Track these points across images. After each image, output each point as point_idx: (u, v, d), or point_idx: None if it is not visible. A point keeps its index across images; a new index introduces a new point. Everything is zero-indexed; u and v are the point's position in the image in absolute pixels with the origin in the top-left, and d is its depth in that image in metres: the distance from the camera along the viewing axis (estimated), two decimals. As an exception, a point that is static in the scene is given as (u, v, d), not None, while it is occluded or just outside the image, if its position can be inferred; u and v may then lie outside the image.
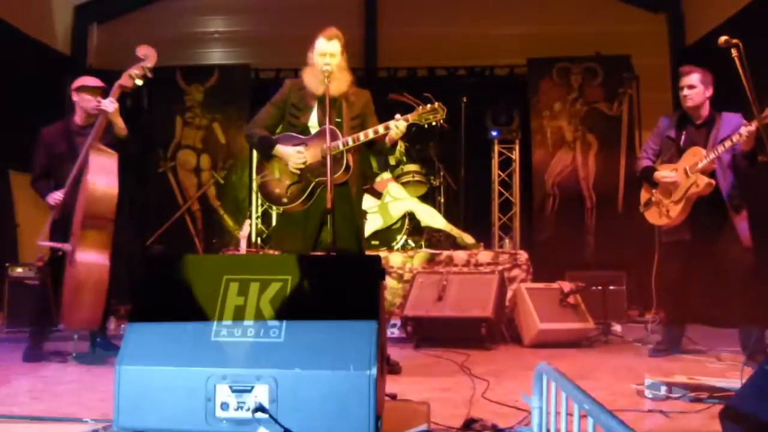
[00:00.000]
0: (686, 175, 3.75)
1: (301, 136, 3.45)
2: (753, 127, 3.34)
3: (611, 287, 5.37)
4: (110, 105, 3.70)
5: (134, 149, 3.99)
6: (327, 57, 3.36)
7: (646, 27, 7.39)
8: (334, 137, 3.26)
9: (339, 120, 3.39)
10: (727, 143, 3.54)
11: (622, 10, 7.42)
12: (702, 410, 2.43)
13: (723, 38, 3.14)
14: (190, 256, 1.91)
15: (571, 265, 6.15)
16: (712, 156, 3.63)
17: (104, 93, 3.95)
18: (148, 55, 3.76)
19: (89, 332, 3.90)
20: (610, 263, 6.19)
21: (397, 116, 3.33)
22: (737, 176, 3.72)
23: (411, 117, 3.34)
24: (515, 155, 7.15)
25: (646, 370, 2.94)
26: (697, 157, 3.71)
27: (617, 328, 4.96)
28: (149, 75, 3.79)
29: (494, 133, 7.10)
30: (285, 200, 3.43)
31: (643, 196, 4.09)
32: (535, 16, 7.41)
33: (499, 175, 7.16)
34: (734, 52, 3.10)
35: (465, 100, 6.60)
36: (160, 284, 1.91)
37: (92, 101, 3.91)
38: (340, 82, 3.40)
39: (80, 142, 3.88)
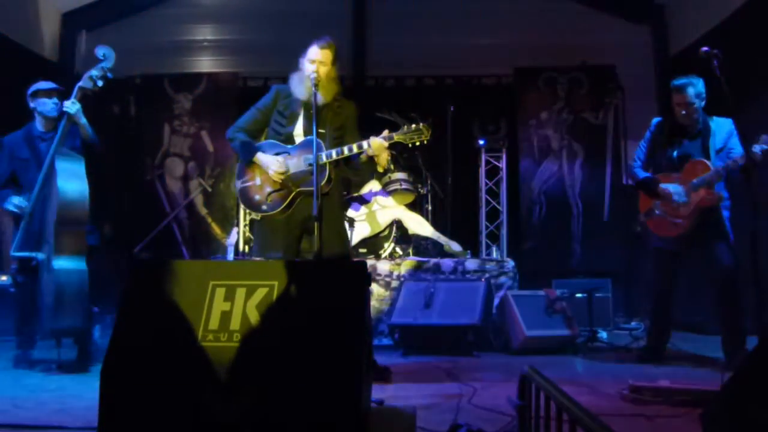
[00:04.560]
0: (693, 190, 3.72)
1: (285, 145, 3.46)
2: (743, 162, 3.40)
3: (597, 294, 5.41)
4: (72, 106, 3.70)
5: (102, 151, 3.96)
6: (316, 64, 3.38)
7: (630, 38, 7.49)
8: (318, 149, 3.26)
9: (323, 131, 3.40)
10: (732, 164, 3.53)
11: (606, 21, 7.50)
12: (684, 414, 2.46)
13: (703, 49, 3.20)
14: (177, 262, 1.91)
15: (558, 273, 6.20)
16: (721, 173, 3.60)
17: (61, 96, 3.94)
18: (107, 56, 3.77)
19: (74, 340, 3.87)
20: (596, 271, 6.24)
21: (385, 133, 3.37)
22: (729, 187, 3.76)
23: (396, 136, 3.38)
24: (502, 164, 7.18)
25: (630, 376, 2.96)
26: (704, 171, 3.67)
27: (603, 334, 5.00)
28: (109, 75, 3.79)
29: (481, 142, 7.14)
30: (264, 207, 3.44)
31: (643, 204, 4.03)
32: (521, 27, 7.48)
33: (486, 184, 7.19)
34: (715, 62, 3.16)
35: (452, 109, 6.65)
36: (146, 290, 1.91)
37: (48, 103, 3.90)
38: (326, 91, 3.42)
39: (43, 148, 3.87)
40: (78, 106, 3.72)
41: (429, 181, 6.63)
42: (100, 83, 3.79)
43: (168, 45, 7.68)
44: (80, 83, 3.76)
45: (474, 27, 7.52)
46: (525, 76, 7.22)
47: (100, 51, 3.78)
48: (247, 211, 7.15)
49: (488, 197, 7.19)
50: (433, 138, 3.51)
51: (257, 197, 3.45)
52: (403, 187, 6.07)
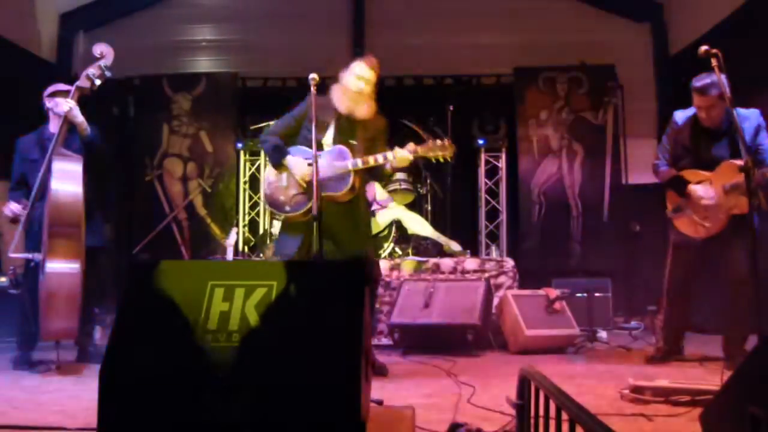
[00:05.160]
0: (725, 194, 3.58)
1: (312, 151, 3.53)
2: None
3: (597, 294, 5.41)
4: (66, 104, 3.67)
5: (102, 150, 3.93)
6: (363, 82, 3.51)
7: (630, 37, 7.49)
8: (344, 157, 3.44)
9: (353, 142, 3.52)
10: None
11: (606, 20, 7.51)
12: (684, 413, 2.46)
13: (703, 48, 3.18)
14: (175, 262, 1.91)
15: (557, 272, 6.20)
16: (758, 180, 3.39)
17: None
18: (105, 54, 3.73)
19: (75, 341, 3.87)
20: (596, 270, 6.24)
21: (410, 146, 3.44)
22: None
23: (420, 150, 3.44)
24: (502, 163, 7.19)
25: (630, 375, 2.96)
26: (739, 176, 3.42)
27: (603, 334, 4.99)
28: (108, 74, 3.75)
29: (481, 142, 7.15)
30: (288, 208, 3.54)
31: (671, 200, 3.89)
32: (521, 26, 7.49)
33: (486, 183, 7.20)
34: (714, 61, 3.14)
35: (451, 109, 6.65)
36: (144, 290, 1.90)
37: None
38: (370, 108, 3.57)
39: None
40: (72, 104, 3.70)
41: (428, 181, 6.63)
42: (98, 82, 3.74)
43: (166, 45, 7.68)
44: (78, 82, 3.74)
45: (473, 26, 7.52)
46: (524, 76, 7.21)
47: (98, 49, 3.75)
48: (246, 211, 7.23)
49: (488, 197, 7.20)
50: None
51: (282, 198, 3.55)
52: (403, 187, 6.07)
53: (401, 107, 6.37)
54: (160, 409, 1.71)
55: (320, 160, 3.47)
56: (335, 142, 3.54)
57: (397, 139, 3.51)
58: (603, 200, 6.94)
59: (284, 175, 3.56)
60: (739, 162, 3.51)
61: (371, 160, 3.42)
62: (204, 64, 7.83)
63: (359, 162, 3.42)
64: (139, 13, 7.72)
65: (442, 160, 3.48)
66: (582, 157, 7.04)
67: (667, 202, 3.95)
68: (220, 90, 7.30)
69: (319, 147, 3.55)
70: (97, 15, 7.66)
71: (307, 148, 3.54)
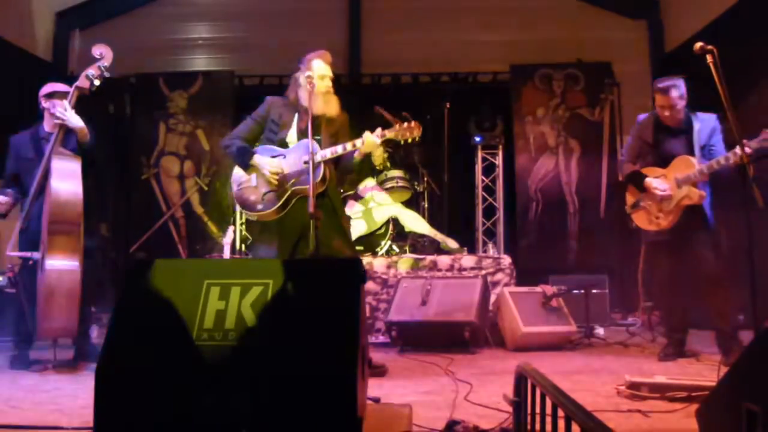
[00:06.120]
0: (677, 186, 3.76)
1: (279, 149, 3.56)
2: (737, 157, 3.27)
3: (594, 291, 5.42)
4: (62, 114, 3.65)
5: (94, 156, 3.88)
6: (327, 80, 3.54)
7: (626, 34, 7.50)
8: (312, 150, 3.36)
9: (318, 137, 3.51)
10: (716, 165, 3.51)
11: (602, 17, 7.52)
12: (680, 409, 2.47)
13: (698, 45, 3.20)
14: (172, 261, 1.91)
15: (555, 269, 6.20)
16: (705, 173, 3.60)
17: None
18: (104, 54, 3.72)
19: (72, 340, 3.86)
20: (593, 267, 6.25)
21: (378, 131, 3.45)
22: (713, 188, 3.78)
23: (388, 133, 3.46)
24: (498, 161, 7.19)
25: (626, 372, 2.97)
26: (689, 169, 3.70)
27: (600, 331, 5.00)
28: (107, 74, 3.74)
29: (477, 139, 7.14)
30: (260, 206, 3.51)
31: (630, 197, 4.07)
32: (517, 23, 7.49)
33: (483, 181, 7.20)
34: (709, 58, 3.15)
35: (448, 106, 6.64)
36: (141, 289, 1.90)
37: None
38: (337, 104, 3.60)
39: (48, 149, 3.84)
40: (68, 116, 3.66)
41: (425, 179, 6.63)
42: (96, 82, 3.73)
43: (163, 43, 7.67)
44: (77, 83, 3.72)
45: (470, 23, 7.52)
46: (521, 73, 7.21)
47: (97, 50, 3.74)
48: (244, 212, 7.22)
49: (485, 194, 7.20)
50: (430, 135, 3.56)
51: (253, 197, 3.53)
52: (400, 184, 6.06)
53: (398, 105, 6.35)
54: (156, 408, 1.71)
55: (288, 157, 3.49)
56: (299, 139, 3.53)
57: (370, 129, 3.50)
58: (600, 197, 6.94)
59: (253, 175, 3.55)
60: (693, 158, 3.72)
61: (340, 149, 3.42)
62: (200, 62, 7.82)
63: (328, 152, 3.42)
64: (135, 11, 7.70)
65: (410, 140, 3.49)
66: (578, 154, 7.04)
67: (627, 198, 4.10)
68: (216, 88, 7.28)
69: (284, 145, 3.56)
70: (93, 13, 7.64)
71: (273, 147, 3.56)
